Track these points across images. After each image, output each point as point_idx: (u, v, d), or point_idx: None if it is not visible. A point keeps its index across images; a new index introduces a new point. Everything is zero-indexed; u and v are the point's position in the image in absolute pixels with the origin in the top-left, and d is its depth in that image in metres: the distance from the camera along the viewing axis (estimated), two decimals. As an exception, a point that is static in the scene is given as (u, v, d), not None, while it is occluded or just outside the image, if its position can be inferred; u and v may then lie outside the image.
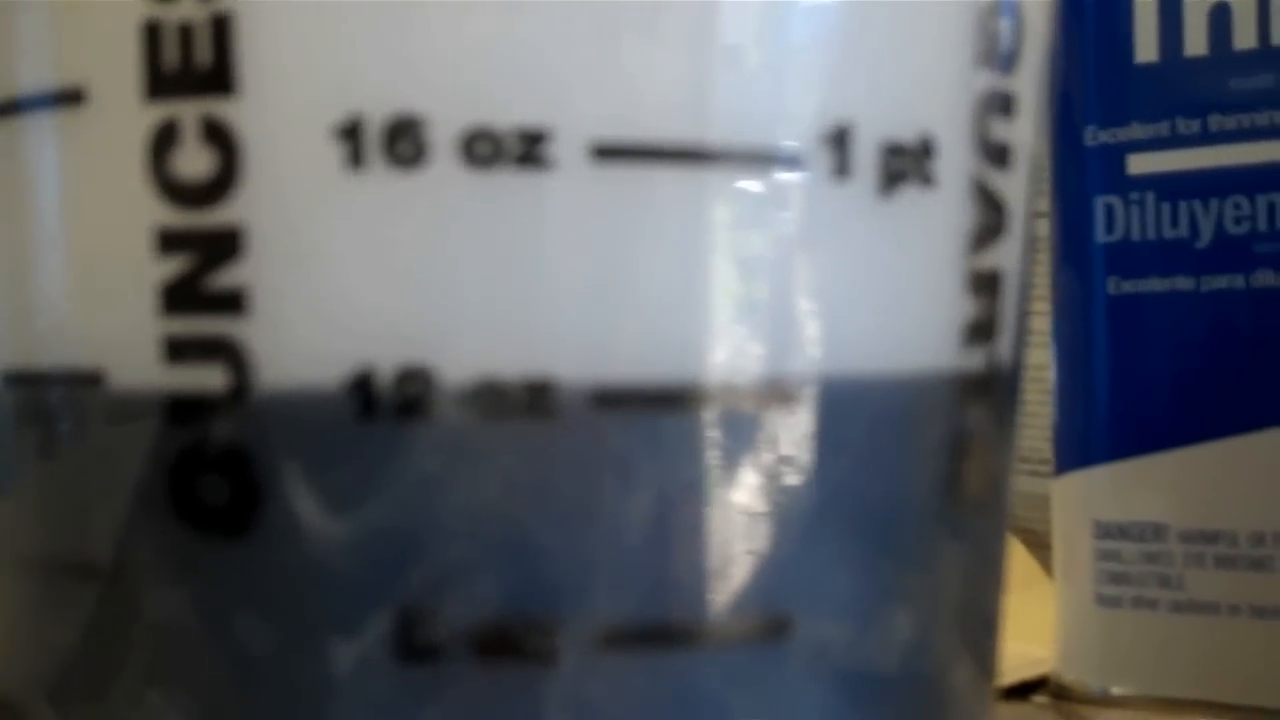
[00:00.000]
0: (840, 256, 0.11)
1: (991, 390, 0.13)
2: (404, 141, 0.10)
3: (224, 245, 0.11)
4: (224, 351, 0.11)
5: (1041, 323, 0.25)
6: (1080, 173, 0.26)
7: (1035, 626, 0.26)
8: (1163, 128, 0.25)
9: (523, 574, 0.11)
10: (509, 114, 0.10)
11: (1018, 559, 0.13)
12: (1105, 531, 0.26)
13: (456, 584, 0.11)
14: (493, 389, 0.11)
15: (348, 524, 0.11)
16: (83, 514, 0.11)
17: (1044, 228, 0.26)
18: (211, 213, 0.11)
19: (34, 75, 0.11)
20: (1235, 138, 0.24)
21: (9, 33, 0.11)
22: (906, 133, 0.12)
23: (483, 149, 0.10)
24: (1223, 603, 0.25)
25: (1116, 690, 0.26)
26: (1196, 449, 0.25)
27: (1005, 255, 0.13)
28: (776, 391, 0.11)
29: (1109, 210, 0.26)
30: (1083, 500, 0.26)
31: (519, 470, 0.11)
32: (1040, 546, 0.28)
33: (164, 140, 0.11)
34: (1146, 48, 0.25)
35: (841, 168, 0.11)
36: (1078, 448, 0.26)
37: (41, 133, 0.11)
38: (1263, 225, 0.24)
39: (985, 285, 0.12)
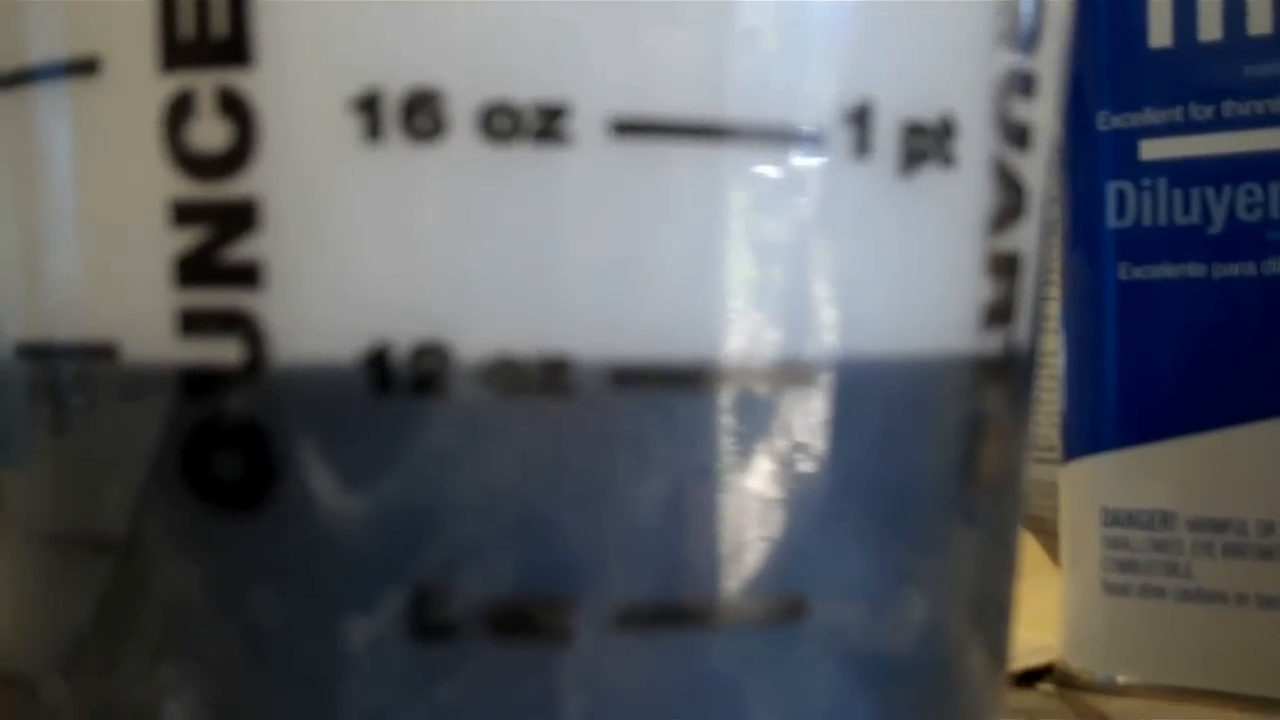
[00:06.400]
0: (859, 236, 0.11)
1: (1009, 373, 0.13)
2: (422, 115, 0.10)
3: (239, 218, 0.10)
4: (239, 325, 0.10)
5: (1051, 308, 0.25)
6: (1092, 157, 0.26)
7: (1041, 614, 0.26)
8: (1176, 113, 0.25)
9: (537, 552, 0.11)
10: (528, 88, 0.10)
11: (1024, 546, 0.13)
12: (1113, 519, 0.26)
13: (471, 561, 0.10)
14: (509, 366, 0.10)
15: (362, 500, 0.10)
16: (95, 488, 0.11)
17: (1055, 212, 0.26)
18: (227, 185, 0.10)
19: (47, 44, 0.11)
20: (1249, 124, 0.24)
21: (22, 1, 0.11)
22: (927, 112, 0.11)
23: (501, 123, 0.10)
24: (1230, 591, 0.25)
25: (1122, 678, 0.26)
26: (1205, 437, 0.25)
27: (1024, 237, 0.13)
28: (793, 371, 0.11)
29: (1120, 196, 0.26)
30: (1091, 487, 0.26)
31: (534, 448, 0.11)
32: (1047, 534, 0.28)
33: (179, 111, 0.10)
34: (1161, 33, 0.25)
35: (861, 147, 0.11)
36: (1086, 434, 0.26)
37: (55, 103, 0.11)
38: (1275, 212, 0.24)
39: (1004, 267, 0.12)
